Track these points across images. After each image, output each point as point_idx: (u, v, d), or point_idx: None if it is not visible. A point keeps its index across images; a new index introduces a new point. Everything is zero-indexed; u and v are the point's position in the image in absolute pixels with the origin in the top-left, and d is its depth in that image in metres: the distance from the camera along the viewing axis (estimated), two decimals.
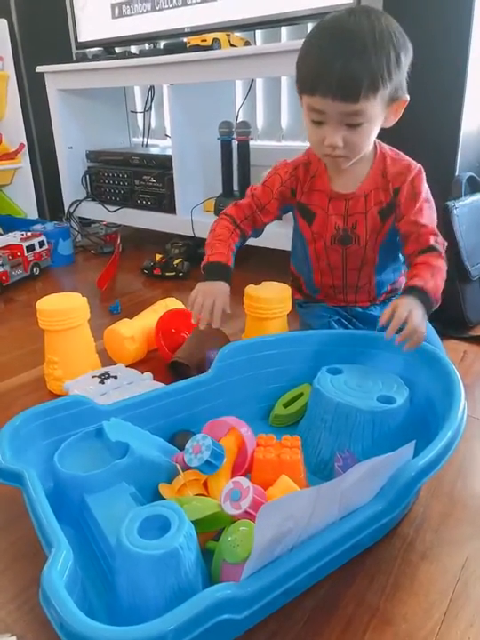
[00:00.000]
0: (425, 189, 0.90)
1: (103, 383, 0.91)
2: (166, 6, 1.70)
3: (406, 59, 0.79)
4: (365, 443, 0.72)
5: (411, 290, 0.79)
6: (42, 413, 0.72)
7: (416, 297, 0.77)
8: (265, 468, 0.67)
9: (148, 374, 0.95)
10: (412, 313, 0.74)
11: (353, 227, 0.93)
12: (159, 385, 0.90)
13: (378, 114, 0.81)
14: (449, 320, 1.21)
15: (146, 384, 0.92)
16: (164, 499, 0.64)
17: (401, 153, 0.93)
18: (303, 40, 0.81)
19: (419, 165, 0.91)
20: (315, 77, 0.77)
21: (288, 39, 1.68)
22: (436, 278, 0.81)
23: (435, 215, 0.90)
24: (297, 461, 0.66)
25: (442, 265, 0.84)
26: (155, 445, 0.72)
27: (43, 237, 1.72)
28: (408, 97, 0.83)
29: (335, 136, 0.81)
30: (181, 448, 0.74)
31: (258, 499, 0.57)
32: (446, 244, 0.89)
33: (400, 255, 0.97)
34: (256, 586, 0.46)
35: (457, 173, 1.25)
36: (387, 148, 0.93)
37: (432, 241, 0.86)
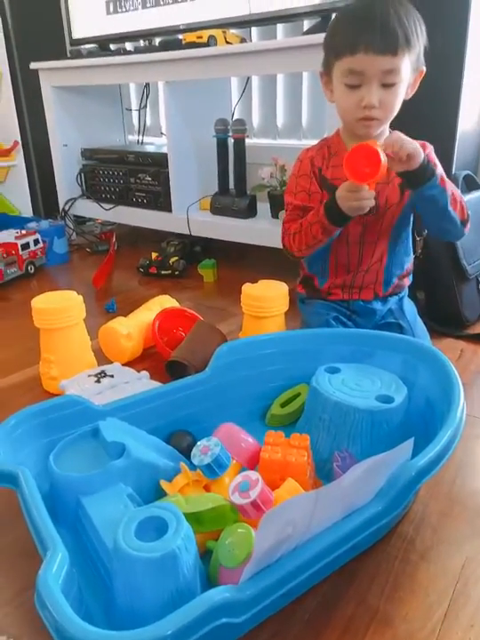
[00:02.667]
0: (439, 163, 0.93)
1: (99, 382, 0.91)
2: (161, 3, 1.69)
3: (423, 31, 0.86)
4: (364, 442, 0.71)
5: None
6: (37, 413, 0.71)
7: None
8: (270, 467, 0.66)
9: (145, 373, 0.95)
10: (404, 138, 0.83)
11: (374, 195, 0.91)
12: (156, 384, 0.89)
13: (407, 76, 0.86)
14: (446, 318, 1.20)
15: (142, 383, 0.91)
16: (162, 498, 0.63)
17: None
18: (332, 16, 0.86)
19: (429, 144, 0.94)
20: (357, 37, 0.82)
21: (284, 36, 1.67)
22: (449, 184, 0.90)
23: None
24: (302, 464, 0.65)
25: (457, 193, 0.91)
26: (152, 446, 0.71)
27: (37, 235, 1.70)
28: (425, 68, 0.89)
29: (373, 96, 0.84)
30: (178, 448, 0.74)
31: (266, 492, 0.57)
32: (466, 207, 0.94)
33: (410, 245, 1.02)
34: (254, 589, 0.46)
35: (454, 171, 1.25)
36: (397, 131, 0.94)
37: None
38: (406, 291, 1.07)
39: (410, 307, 1.07)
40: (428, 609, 0.57)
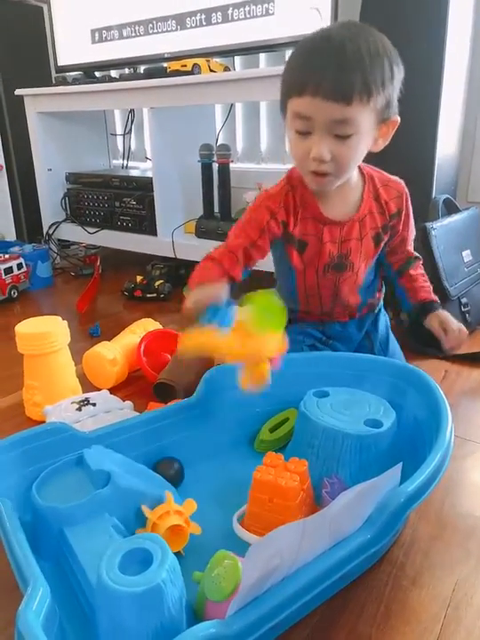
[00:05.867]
0: (411, 207, 0.95)
1: (80, 410, 0.89)
2: (146, 32, 1.72)
3: (399, 74, 0.75)
4: (353, 467, 0.71)
5: (433, 304, 0.96)
6: (19, 442, 0.69)
7: (439, 307, 0.95)
8: (261, 488, 0.65)
9: (129, 403, 0.93)
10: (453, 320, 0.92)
11: (347, 253, 0.90)
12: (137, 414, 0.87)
13: (368, 128, 0.75)
14: (430, 338, 1.21)
15: (123, 413, 0.88)
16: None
17: (380, 170, 0.93)
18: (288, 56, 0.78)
19: (403, 182, 0.92)
20: (305, 76, 0.71)
21: (266, 65, 1.71)
22: (430, 284, 0.99)
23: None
24: (292, 488, 0.64)
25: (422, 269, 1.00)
26: (138, 473, 0.69)
27: (21, 260, 1.69)
28: (399, 118, 0.78)
29: (322, 147, 0.73)
30: (165, 476, 0.72)
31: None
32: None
33: (377, 273, 1.00)
34: (241, 623, 0.44)
35: (434, 196, 1.28)
36: (368, 167, 0.91)
37: (412, 248, 0.98)
38: (381, 303, 1.05)
39: (383, 322, 1.04)
40: (420, 635, 0.56)
